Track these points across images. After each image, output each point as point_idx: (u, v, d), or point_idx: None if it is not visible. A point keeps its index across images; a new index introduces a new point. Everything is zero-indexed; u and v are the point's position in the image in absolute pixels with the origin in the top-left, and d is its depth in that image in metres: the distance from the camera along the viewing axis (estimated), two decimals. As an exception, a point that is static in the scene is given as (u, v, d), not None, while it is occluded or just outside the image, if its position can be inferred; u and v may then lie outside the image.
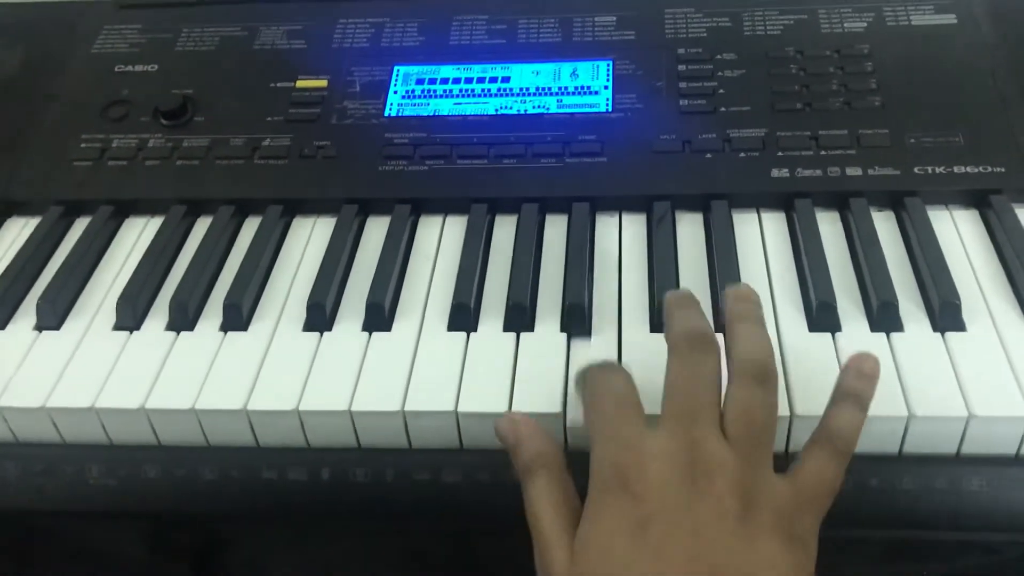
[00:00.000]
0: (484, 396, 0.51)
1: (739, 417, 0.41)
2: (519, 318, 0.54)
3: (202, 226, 0.64)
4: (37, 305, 0.58)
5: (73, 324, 0.58)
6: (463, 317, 0.55)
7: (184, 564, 0.62)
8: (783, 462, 0.43)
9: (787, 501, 0.40)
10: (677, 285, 0.56)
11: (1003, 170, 0.59)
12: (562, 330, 0.54)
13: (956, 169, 0.59)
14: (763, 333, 0.44)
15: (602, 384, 0.44)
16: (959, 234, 0.58)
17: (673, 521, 0.38)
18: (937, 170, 0.59)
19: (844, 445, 0.42)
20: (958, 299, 0.52)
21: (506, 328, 0.55)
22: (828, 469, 0.41)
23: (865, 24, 0.68)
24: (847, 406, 0.43)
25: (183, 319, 0.57)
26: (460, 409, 0.50)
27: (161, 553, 0.62)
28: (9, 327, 0.58)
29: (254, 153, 0.65)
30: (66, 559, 0.65)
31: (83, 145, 0.67)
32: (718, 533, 0.38)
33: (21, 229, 0.65)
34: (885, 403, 0.48)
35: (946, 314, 0.52)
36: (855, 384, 0.44)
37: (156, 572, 0.64)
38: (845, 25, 0.68)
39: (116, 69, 0.72)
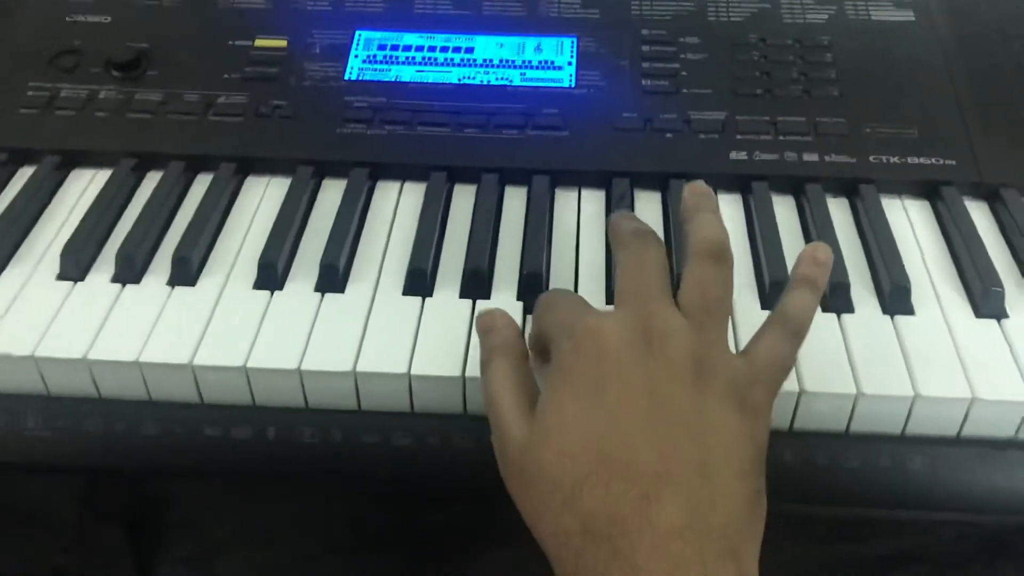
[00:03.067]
0: (438, 360, 0.50)
1: (693, 289, 0.43)
2: (476, 285, 0.54)
3: (151, 181, 0.62)
4: (-25, 251, 0.56)
5: (14, 271, 0.56)
6: (419, 282, 0.54)
7: (116, 524, 0.61)
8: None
9: (740, 373, 0.41)
10: (634, 260, 0.56)
11: (954, 163, 0.60)
12: (518, 299, 0.54)
13: (910, 160, 0.61)
14: (719, 220, 0.46)
15: (550, 295, 0.46)
16: (910, 222, 0.59)
17: (628, 380, 0.39)
18: (891, 160, 0.61)
19: (797, 325, 0.43)
20: (908, 283, 0.53)
21: (462, 295, 0.54)
22: (781, 346, 0.43)
23: (826, 16, 0.69)
24: (801, 290, 0.44)
25: (130, 271, 0.55)
26: (413, 372, 0.50)
27: (93, 512, 0.60)
28: (-55, 273, 0.56)
29: (208, 110, 0.64)
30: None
31: (30, 93, 0.65)
32: (671, 394, 0.39)
33: (-39, 175, 0.63)
34: (834, 381, 0.49)
35: (896, 297, 0.53)
36: (809, 270, 0.45)
37: (87, 532, 0.62)
38: (807, 16, 0.69)
39: (67, 19, 0.70)
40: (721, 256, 0.44)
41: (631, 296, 0.43)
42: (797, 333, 0.43)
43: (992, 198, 0.60)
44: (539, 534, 0.39)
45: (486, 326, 0.47)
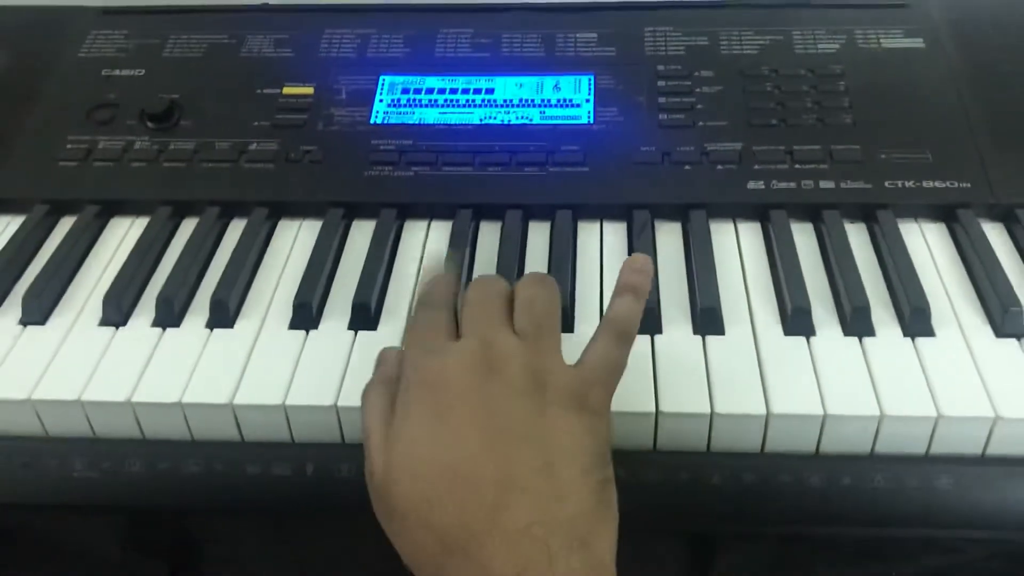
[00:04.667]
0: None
1: (524, 310, 0.46)
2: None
3: (188, 227, 0.64)
4: (23, 299, 0.58)
5: (59, 320, 0.58)
6: (448, 317, 0.56)
7: (161, 563, 0.62)
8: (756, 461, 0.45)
9: (575, 380, 0.44)
10: (657, 291, 0.58)
11: (969, 185, 0.61)
12: (545, 331, 0.55)
13: (925, 184, 0.62)
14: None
15: (420, 313, 0.48)
16: (928, 245, 0.60)
17: (469, 404, 0.42)
18: (907, 184, 0.62)
19: (624, 329, 0.46)
20: (927, 305, 0.54)
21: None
22: (611, 349, 0.45)
23: (838, 46, 0.70)
24: (626, 297, 0.47)
25: (169, 315, 0.57)
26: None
27: (138, 551, 0.62)
28: (-6, 322, 0.59)
29: (240, 157, 0.66)
30: (40, 559, 0.65)
31: (69, 146, 0.68)
32: (511, 409, 0.42)
33: (6, 227, 0.65)
34: (858, 403, 0.50)
35: (916, 320, 0.54)
36: (631, 278, 0.48)
37: (133, 571, 0.63)
38: (819, 46, 0.70)
39: (103, 73, 0.73)
40: (544, 279, 0.48)
41: (473, 323, 0.46)
42: (624, 336, 0.46)
43: (1008, 219, 0.61)
44: (405, 558, 0.42)
45: (379, 359, 0.49)
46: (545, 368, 0.44)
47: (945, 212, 0.62)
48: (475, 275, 0.59)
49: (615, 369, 0.45)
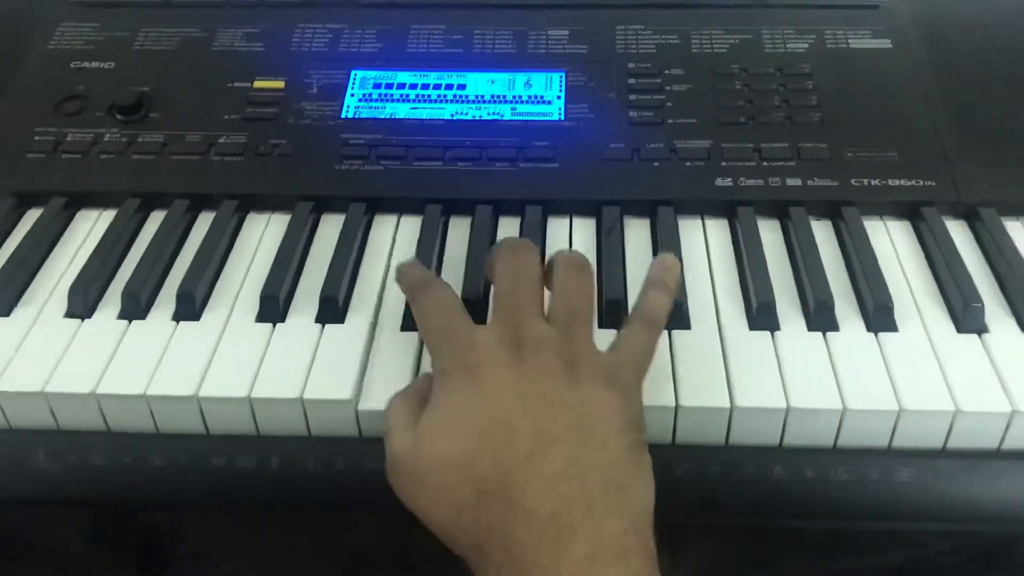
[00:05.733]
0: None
1: (559, 299, 0.47)
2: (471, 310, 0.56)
3: (155, 220, 0.64)
4: (-14, 291, 0.58)
5: (23, 312, 0.58)
6: (416, 311, 0.56)
7: (128, 558, 0.62)
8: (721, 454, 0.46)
9: (608, 361, 0.46)
10: (625, 285, 0.58)
11: (933, 184, 0.62)
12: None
13: (891, 182, 0.62)
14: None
15: (428, 297, 0.49)
16: (892, 243, 0.61)
17: (501, 375, 0.44)
18: (873, 182, 0.62)
19: (654, 319, 0.48)
20: (891, 301, 0.55)
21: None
22: (641, 336, 0.47)
23: (806, 45, 0.71)
24: (656, 290, 0.50)
25: (135, 308, 0.57)
26: (412, 398, 0.51)
27: (105, 546, 0.62)
28: (-44, 314, 0.58)
29: (210, 149, 0.66)
30: (6, 554, 0.64)
31: (37, 138, 0.67)
32: (546, 382, 0.44)
33: (-29, 219, 0.65)
34: (821, 397, 0.51)
35: (879, 315, 0.55)
36: (660, 274, 0.51)
37: (99, 566, 0.63)
38: (788, 46, 0.71)
39: (72, 65, 0.72)
40: (582, 265, 0.49)
41: (505, 310, 0.47)
42: (654, 325, 0.48)
43: (971, 217, 0.62)
44: (440, 527, 0.43)
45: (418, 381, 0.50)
46: (577, 353, 0.45)
47: (910, 210, 0.62)
48: (443, 272, 0.59)
49: (646, 353, 0.47)
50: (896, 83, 0.68)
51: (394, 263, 0.60)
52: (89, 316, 0.57)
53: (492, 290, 0.49)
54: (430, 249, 0.60)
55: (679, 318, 0.55)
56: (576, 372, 0.44)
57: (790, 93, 0.68)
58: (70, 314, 0.57)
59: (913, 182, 0.62)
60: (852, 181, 0.62)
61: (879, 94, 0.68)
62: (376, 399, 0.52)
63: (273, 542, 0.61)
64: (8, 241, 0.63)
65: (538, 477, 0.40)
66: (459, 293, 0.56)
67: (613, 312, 0.55)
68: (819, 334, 0.54)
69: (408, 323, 0.56)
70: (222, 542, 0.62)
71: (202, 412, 0.53)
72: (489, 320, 0.47)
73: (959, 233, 0.61)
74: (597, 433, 0.42)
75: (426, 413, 0.45)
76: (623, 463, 0.42)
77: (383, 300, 0.58)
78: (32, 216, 0.65)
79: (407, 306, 0.56)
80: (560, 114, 0.67)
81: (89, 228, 0.64)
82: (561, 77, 0.70)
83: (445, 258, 0.61)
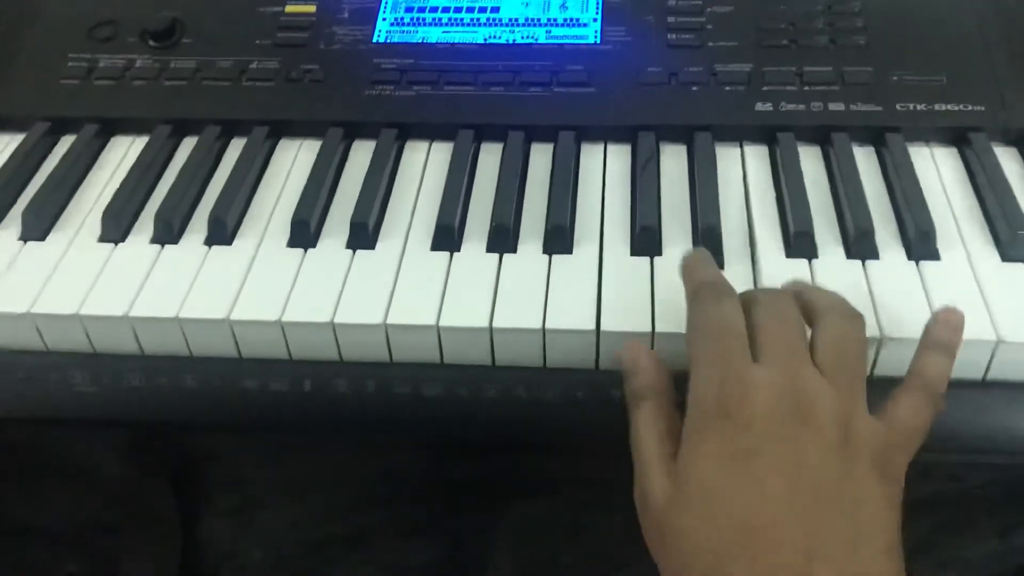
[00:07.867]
0: (466, 311, 0.51)
1: (832, 349, 0.42)
2: (503, 239, 0.55)
3: (187, 146, 0.64)
4: (22, 215, 0.58)
5: (58, 235, 0.58)
6: (447, 237, 0.55)
7: (163, 480, 0.63)
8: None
9: (882, 439, 0.41)
10: (659, 213, 0.57)
11: (983, 108, 0.60)
12: (544, 252, 0.55)
13: (937, 107, 0.60)
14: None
15: (711, 308, 0.44)
16: (938, 170, 0.59)
17: (777, 453, 0.39)
18: (919, 107, 0.60)
19: (935, 389, 0.44)
20: (932, 228, 0.53)
21: (489, 249, 0.55)
22: (920, 411, 0.43)
23: (853, -35, 0.68)
24: (938, 354, 0.45)
25: (168, 232, 0.57)
26: (442, 324, 0.51)
27: (140, 468, 0.63)
28: (-7, 237, 0.59)
29: (241, 75, 0.65)
30: (43, 475, 0.66)
31: (70, 64, 0.67)
32: (820, 465, 0.39)
33: (6, 145, 0.65)
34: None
35: (921, 242, 0.53)
36: (944, 334, 0.46)
37: (134, 488, 0.64)
38: (834, -34, 0.68)
39: (103, -10, 0.72)
40: (854, 315, 0.44)
41: (777, 351, 0.42)
42: (934, 396, 0.44)
43: (1021, 143, 0.60)
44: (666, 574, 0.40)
45: (630, 366, 0.46)
46: (854, 420, 0.41)
47: (957, 136, 0.60)
48: (473, 197, 0.59)
49: (921, 432, 0.43)
50: (946, 3, 0.65)
51: (425, 189, 0.60)
52: (122, 241, 0.58)
53: (755, 326, 0.43)
54: (460, 175, 0.59)
55: (712, 243, 0.54)
56: (850, 449, 0.40)
57: (834, 15, 0.65)
58: (104, 239, 0.58)
59: (961, 107, 0.60)
60: (897, 106, 0.60)
61: (928, 15, 0.65)
62: (402, 315, 0.51)
63: (304, 465, 0.62)
64: (42, 167, 0.63)
65: None
66: (488, 219, 0.56)
67: (646, 241, 0.54)
68: (858, 262, 0.53)
69: (438, 244, 0.55)
70: (254, 465, 0.63)
71: (234, 335, 0.53)
72: (761, 357, 0.42)
73: (1008, 159, 0.59)
74: (866, 555, 0.38)
75: (683, 467, 0.40)
76: None
77: (412, 226, 0.57)
78: (66, 142, 0.65)
79: (438, 228, 0.55)
80: (596, 37, 0.65)
81: (122, 154, 0.64)
82: (598, -1, 0.68)
83: (475, 184, 0.60)
